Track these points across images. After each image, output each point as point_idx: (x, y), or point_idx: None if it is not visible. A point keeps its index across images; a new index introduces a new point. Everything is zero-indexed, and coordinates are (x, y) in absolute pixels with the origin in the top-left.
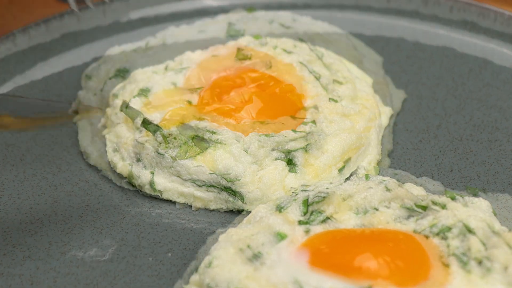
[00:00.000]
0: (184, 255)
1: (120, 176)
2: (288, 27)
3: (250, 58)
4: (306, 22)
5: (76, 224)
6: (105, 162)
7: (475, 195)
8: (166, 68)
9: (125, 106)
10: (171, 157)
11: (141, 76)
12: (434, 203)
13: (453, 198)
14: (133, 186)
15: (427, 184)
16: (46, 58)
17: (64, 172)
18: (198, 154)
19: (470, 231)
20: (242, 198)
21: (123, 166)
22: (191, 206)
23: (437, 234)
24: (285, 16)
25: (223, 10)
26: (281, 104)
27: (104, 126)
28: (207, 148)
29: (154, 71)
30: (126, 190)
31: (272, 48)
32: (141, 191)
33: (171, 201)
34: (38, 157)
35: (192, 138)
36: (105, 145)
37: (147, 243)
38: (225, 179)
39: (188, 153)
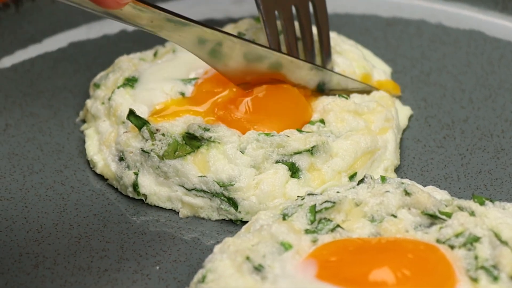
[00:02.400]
0: (191, 264)
1: (125, 185)
2: (297, 38)
3: None
4: (314, 32)
5: (83, 233)
6: (111, 172)
7: (482, 204)
8: (155, 55)
9: (131, 114)
10: (158, 156)
11: (127, 63)
12: (461, 208)
13: (482, 203)
14: (139, 194)
15: (433, 193)
16: (54, 66)
17: (71, 181)
18: (189, 153)
19: (501, 241)
20: (236, 206)
21: (104, 166)
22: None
23: (464, 244)
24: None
25: (232, 20)
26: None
27: (83, 121)
28: (199, 147)
29: (141, 58)
30: (132, 199)
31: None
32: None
33: (176, 213)
34: (45, 165)
35: (183, 136)
36: (111, 153)
37: (154, 252)
38: (217, 183)
39: (177, 152)
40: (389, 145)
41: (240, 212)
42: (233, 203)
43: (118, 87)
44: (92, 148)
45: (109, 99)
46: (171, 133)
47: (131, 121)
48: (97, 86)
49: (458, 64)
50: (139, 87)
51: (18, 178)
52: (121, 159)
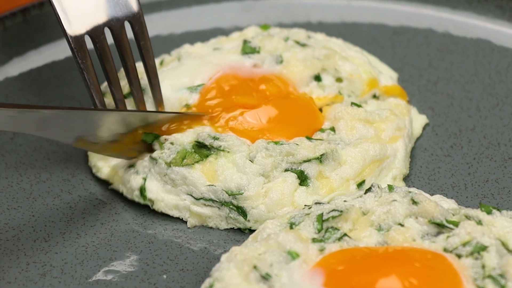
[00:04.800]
0: (198, 273)
1: (132, 188)
2: (303, 44)
3: (258, 52)
4: (320, 39)
5: (90, 242)
6: (118, 176)
7: (489, 213)
8: (161, 63)
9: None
10: (165, 162)
11: None
12: (468, 217)
13: (489, 212)
14: (145, 199)
15: (440, 202)
16: (61, 75)
17: (78, 190)
18: (197, 162)
19: (509, 250)
20: (244, 215)
21: (111, 171)
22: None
23: (471, 253)
24: (299, 33)
25: (237, 28)
26: (297, 116)
27: None
28: (207, 156)
29: None
30: (139, 208)
31: (283, 40)
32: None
33: (183, 222)
34: (52, 174)
35: (193, 144)
36: (117, 159)
37: (161, 261)
38: (226, 192)
39: (185, 160)
40: (398, 154)
41: (249, 220)
42: (242, 211)
43: (125, 97)
44: (96, 154)
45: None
46: (180, 142)
47: (143, 140)
48: (103, 94)
49: (465, 73)
50: (145, 100)
51: (25, 187)
52: (131, 165)
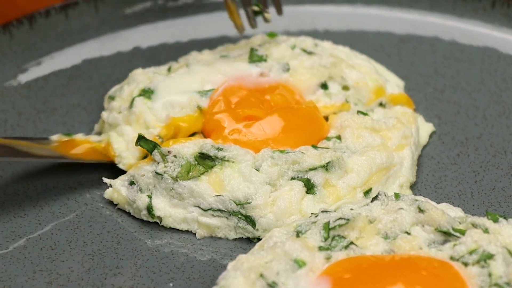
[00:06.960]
0: (205, 281)
1: (139, 208)
2: (310, 52)
3: (265, 60)
4: (327, 47)
5: (97, 250)
6: (122, 196)
7: (495, 221)
8: (169, 70)
9: (141, 139)
10: (171, 177)
11: (142, 76)
12: (474, 225)
13: (495, 220)
14: (153, 217)
15: (447, 210)
16: (67, 83)
17: (85, 198)
18: (203, 173)
19: None
20: (253, 224)
21: (112, 191)
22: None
23: (478, 261)
24: (306, 41)
25: (244, 36)
26: (302, 124)
27: (98, 134)
28: (212, 167)
29: (155, 72)
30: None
31: (290, 48)
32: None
33: (191, 231)
34: (58, 183)
35: (195, 156)
36: (120, 178)
37: (167, 269)
38: (234, 201)
39: (191, 173)
40: (405, 162)
41: (257, 229)
42: (250, 221)
43: (137, 96)
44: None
45: (130, 107)
46: (182, 154)
47: (141, 146)
48: (112, 98)
49: (472, 81)
50: (157, 100)
51: (32, 195)
52: (132, 183)
